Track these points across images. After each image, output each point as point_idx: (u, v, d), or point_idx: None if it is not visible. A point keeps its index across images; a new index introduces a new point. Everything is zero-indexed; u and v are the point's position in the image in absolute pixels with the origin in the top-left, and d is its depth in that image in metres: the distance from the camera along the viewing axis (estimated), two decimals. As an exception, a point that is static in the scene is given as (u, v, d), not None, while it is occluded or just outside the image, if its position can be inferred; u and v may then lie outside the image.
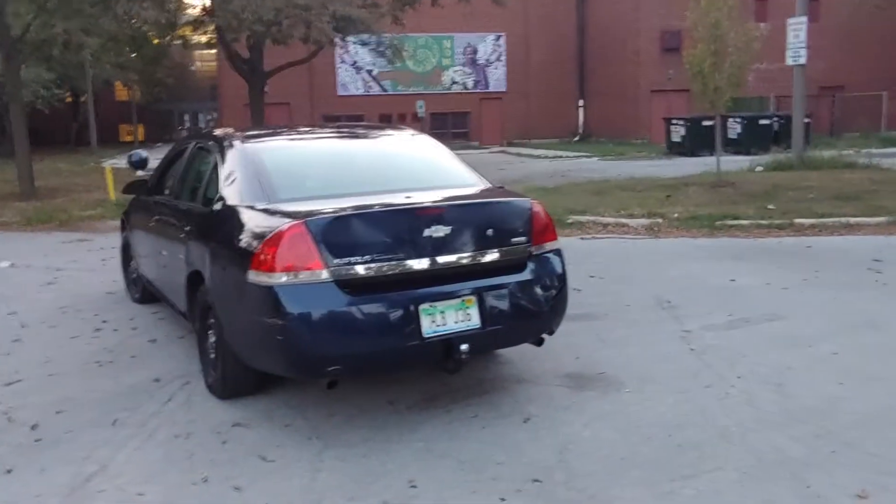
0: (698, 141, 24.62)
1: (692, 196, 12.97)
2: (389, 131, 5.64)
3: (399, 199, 4.19)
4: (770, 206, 11.34)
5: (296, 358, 3.84)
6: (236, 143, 4.81)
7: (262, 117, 22.41)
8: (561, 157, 27.32)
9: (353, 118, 34.94)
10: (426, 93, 35.25)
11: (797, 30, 16.95)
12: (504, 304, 4.17)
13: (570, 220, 11.25)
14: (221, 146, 4.88)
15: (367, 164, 4.85)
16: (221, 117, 34.81)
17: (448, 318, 4.01)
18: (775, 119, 25.46)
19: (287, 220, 3.88)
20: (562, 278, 4.49)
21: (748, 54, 13.70)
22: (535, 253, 4.35)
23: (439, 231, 4.01)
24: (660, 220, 10.84)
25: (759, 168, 17.14)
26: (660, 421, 4.16)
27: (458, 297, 4.05)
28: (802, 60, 16.96)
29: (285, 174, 4.50)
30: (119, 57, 25.15)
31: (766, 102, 30.88)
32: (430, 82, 35.60)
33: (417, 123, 34.31)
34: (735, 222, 10.52)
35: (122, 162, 28.06)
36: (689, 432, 4.00)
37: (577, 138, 35.87)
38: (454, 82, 35.94)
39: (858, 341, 5.45)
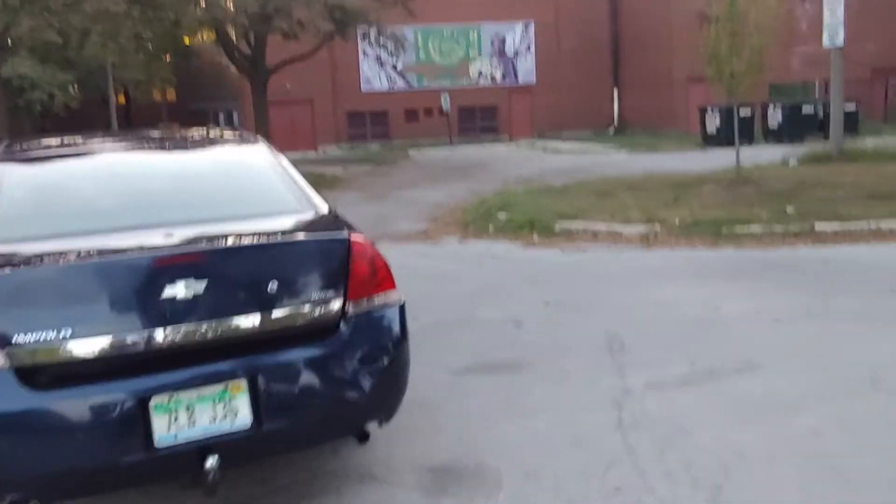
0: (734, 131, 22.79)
1: (705, 196, 11.46)
2: (215, 141, 4.38)
3: (154, 238, 2.96)
4: (788, 209, 9.79)
5: (-46, 481, 2.65)
6: (-14, 160, 3.62)
7: (266, 116, 21.43)
8: (588, 151, 25.74)
9: (376, 114, 33.88)
10: (453, 87, 33.86)
11: (834, 7, 15.21)
12: (293, 389, 2.91)
13: (557, 228, 9.91)
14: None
15: (149, 189, 3.56)
16: (243, 116, 34.02)
17: (200, 414, 2.77)
18: (820, 106, 23.50)
19: (-47, 277, 2.68)
20: (397, 345, 3.20)
21: (771, 34, 12.13)
22: (352, 312, 3.07)
23: (190, 287, 2.77)
24: (657, 228, 9.41)
25: (793, 161, 15.46)
26: (525, 556, 2.87)
27: (219, 382, 2.81)
28: (840, 41, 15.22)
29: (18, 205, 3.29)
30: (115, 57, 24.44)
31: (812, 88, 28.80)
32: (456, 75, 34.16)
33: (443, 118, 33.04)
34: (744, 229, 9.03)
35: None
36: (555, 583, 2.70)
37: (611, 130, 34.13)
38: (481, 75, 34.47)
39: (852, 409, 4.03)
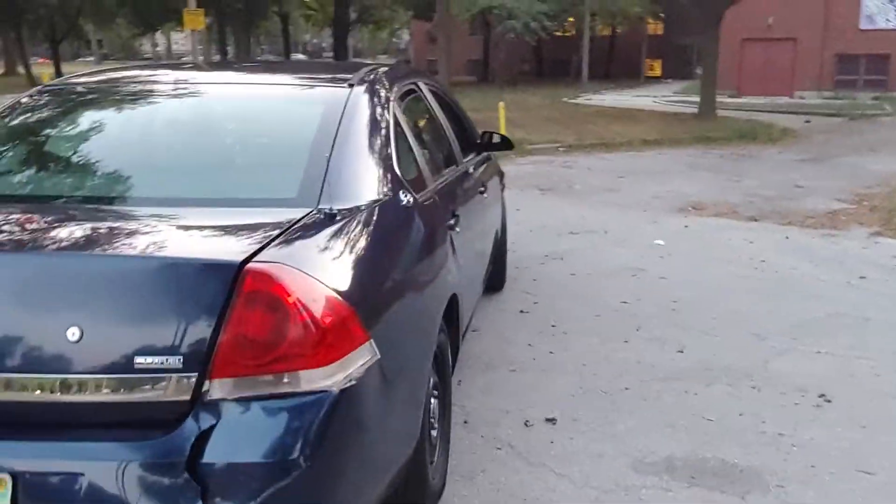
0: None
1: None
2: (311, 84, 3.11)
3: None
4: None
5: None
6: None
7: (714, 53, 19.13)
8: None
9: (875, 58, 28.67)
10: None
11: None
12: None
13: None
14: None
15: (149, 148, 2.59)
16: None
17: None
18: None
19: None
20: (302, 469, 1.73)
21: None
22: (215, 396, 1.74)
23: None
24: None
25: None
26: None
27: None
28: None
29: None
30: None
31: None
32: None
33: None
34: None
35: (587, 98, 27.15)
36: None
37: None
38: None
39: None
